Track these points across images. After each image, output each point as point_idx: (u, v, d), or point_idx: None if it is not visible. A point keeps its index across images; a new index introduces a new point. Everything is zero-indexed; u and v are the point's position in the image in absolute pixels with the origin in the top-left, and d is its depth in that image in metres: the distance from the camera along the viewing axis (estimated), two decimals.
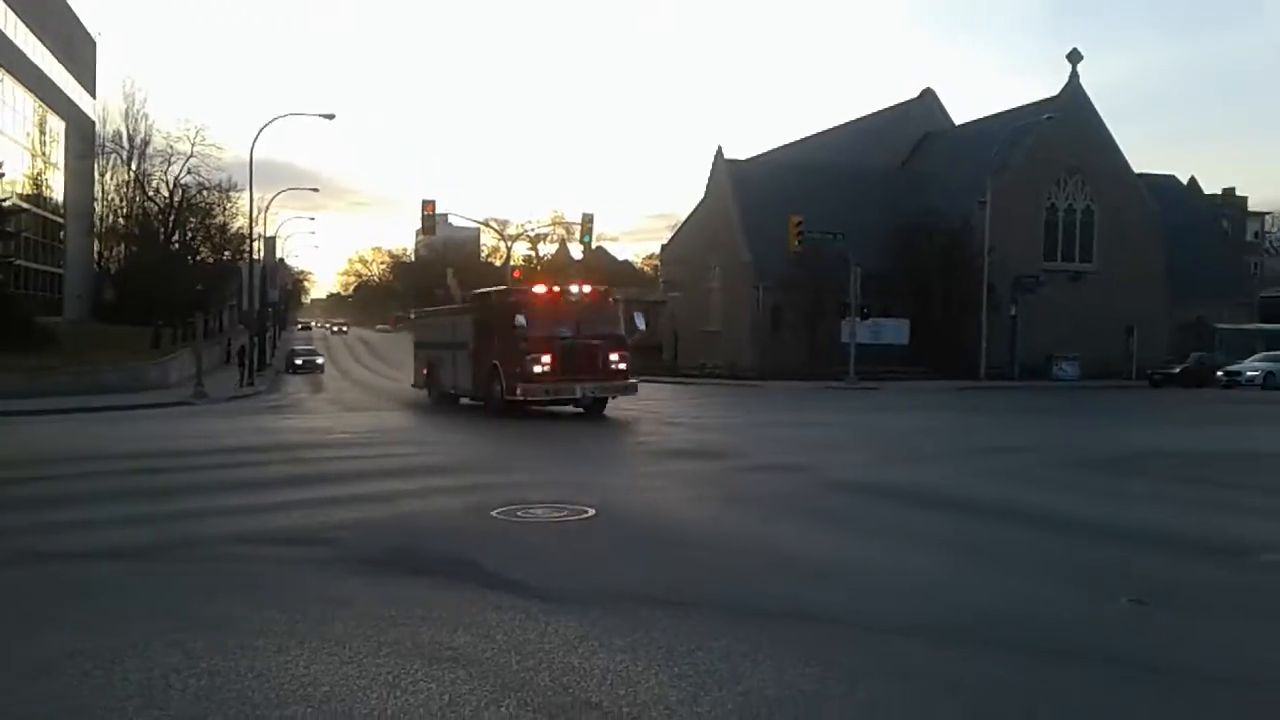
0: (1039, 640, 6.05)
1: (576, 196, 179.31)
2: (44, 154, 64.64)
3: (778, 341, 51.51)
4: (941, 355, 48.75)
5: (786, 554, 8.47)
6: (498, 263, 79.03)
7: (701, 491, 12.28)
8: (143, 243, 70.79)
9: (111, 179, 73.81)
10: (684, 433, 20.41)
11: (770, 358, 50.18)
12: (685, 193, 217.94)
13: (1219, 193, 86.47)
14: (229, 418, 26.15)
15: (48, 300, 61.72)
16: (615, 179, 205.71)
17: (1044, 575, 7.84)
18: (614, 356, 22.88)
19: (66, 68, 69.37)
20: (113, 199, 74.45)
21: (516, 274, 50.13)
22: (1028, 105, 55.81)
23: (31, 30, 62.24)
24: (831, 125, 70.03)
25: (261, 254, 54.70)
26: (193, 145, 66.78)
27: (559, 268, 71.31)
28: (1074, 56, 53.53)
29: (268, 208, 62.36)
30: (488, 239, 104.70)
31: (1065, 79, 53.67)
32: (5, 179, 53.07)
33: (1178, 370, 45.51)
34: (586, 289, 23.83)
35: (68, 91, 70.10)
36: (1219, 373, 42.95)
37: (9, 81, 58.81)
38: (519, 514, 9.84)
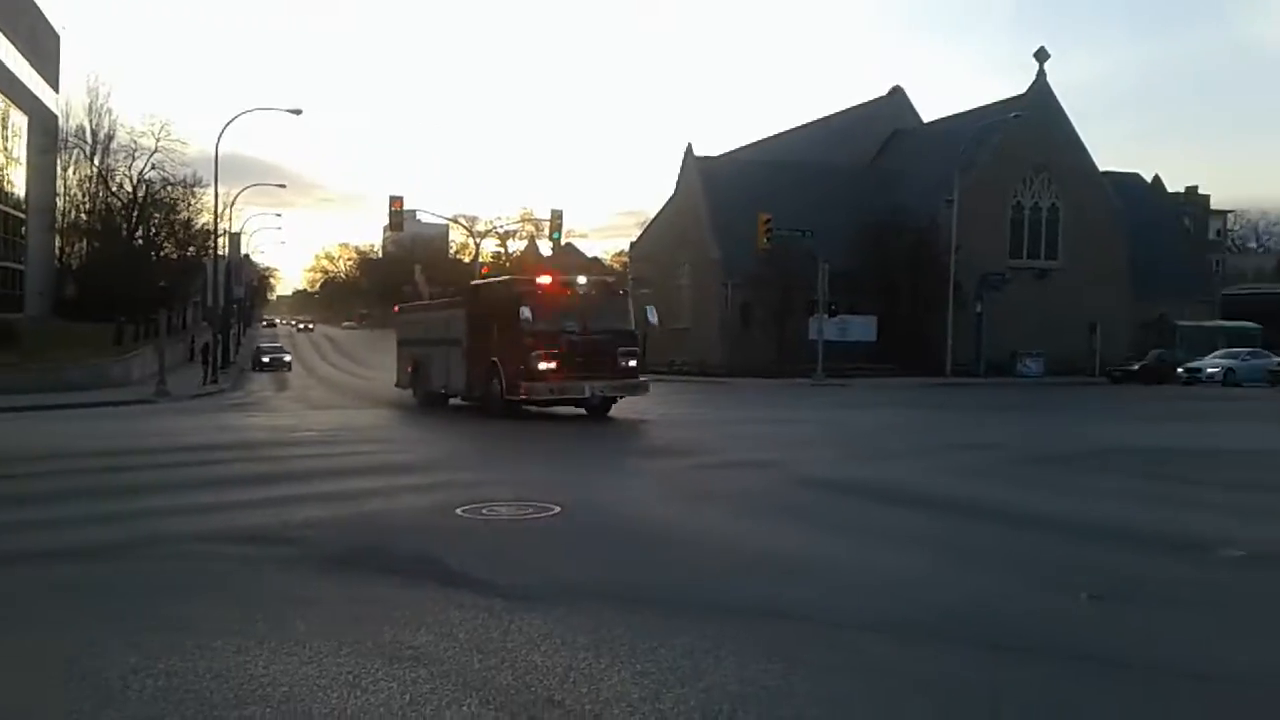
0: (1004, 637, 6.08)
1: (546, 193, 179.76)
2: (5, 149, 63.62)
3: (746, 338, 51.66)
4: (908, 352, 49.08)
5: (753, 551, 8.48)
6: (466, 260, 78.73)
7: (669, 489, 12.28)
8: (105, 239, 69.91)
9: (74, 174, 72.84)
10: (652, 429, 20.41)
11: (739, 355, 50.32)
12: (655, 190, 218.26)
13: (1182, 191, 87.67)
14: (192, 415, 25.88)
15: (8, 297, 60.82)
16: (585, 176, 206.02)
17: (1009, 571, 7.90)
18: (624, 353, 21.31)
19: (29, 61, 68.29)
20: (75, 194, 73.46)
21: (484, 270, 49.91)
22: (995, 104, 56.27)
23: None
24: (801, 123, 70.36)
25: (226, 250, 54.20)
26: (157, 140, 65.99)
27: (528, 265, 71.08)
28: (1041, 55, 54.04)
29: (233, 203, 61.79)
30: (456, 236, 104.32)
31: (1032, 78, 54.16)
32: None
33: (1137, 367, 46.06)
34: (595, 280, 22.37)
35: (30, 86, 69.03)
36: (1180, 370, 43.51)
37: None
38: (484, 512, 9.79)
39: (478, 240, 64.52)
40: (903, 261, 50.57)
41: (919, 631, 6.15)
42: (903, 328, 50.26)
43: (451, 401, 25.13)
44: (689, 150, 59.68)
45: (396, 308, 32.96)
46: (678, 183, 61.14)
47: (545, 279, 22.00)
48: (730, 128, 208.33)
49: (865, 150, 61.58)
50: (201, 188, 68.00)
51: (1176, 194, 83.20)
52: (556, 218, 46.46)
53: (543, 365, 20.32)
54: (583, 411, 21.92)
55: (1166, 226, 62.98)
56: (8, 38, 63.74)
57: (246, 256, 69.83)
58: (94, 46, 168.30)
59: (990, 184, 52.04)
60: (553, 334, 20.44)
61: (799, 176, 53.93)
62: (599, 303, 21.64)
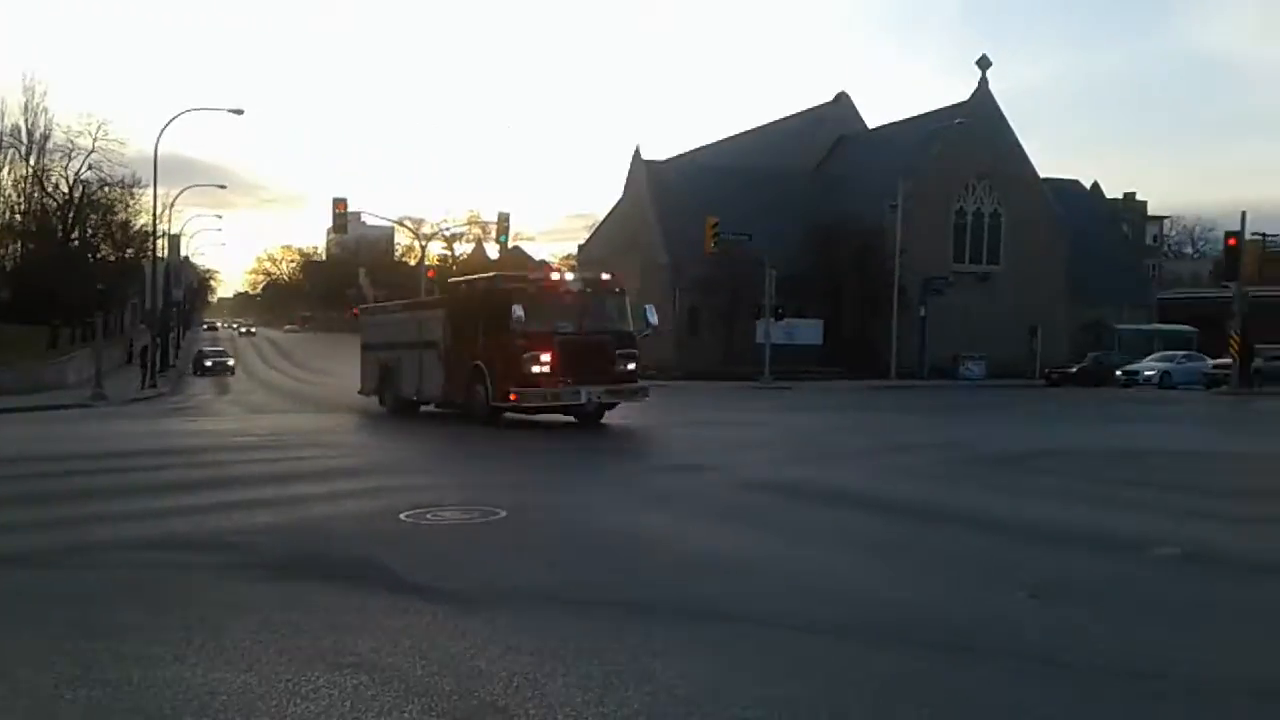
0: (944, 636, 6.15)
1: (493, 195, 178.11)
2: None
3: (695, 342, 51.85)
4: (854, 355, 49.58)
5: (699, 553, 8.50)
6: (412, 262, 78.02)
7: (616, 492, 12.27)
8: (41, 240, 68.16)
9: (8, 174, 70.82)
10: (600, 432, 20.36)
11: (687, 358, 50.47)
12: (603, 193, 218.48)
13: (1120, 197, 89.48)
14: (130, 420, 25.39)
15: None
16: (533, 178, 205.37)
17: (950, 571, 8.00)
18: (622, 356, 19.70)
19: None
20: (9, 195, 71.39)
21: (430, 274, 49.38)
22: (939, 110, 57.06)
23: None
24: (748, 128, 70.72)
25: (165, 252, 53.24)
26: (94, 140, 64.46)
27: (475, 268, 70.71)
28: (983, 63, 54.88)
29: (172, 205, 60.73)
30: (402, 238, 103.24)
31: (975, 85, 54.98)
32: None
33: (1075, 370, 46.93)
34: (590, 276, 20.62)
35: None
36: (1118, 372, 44.38)
37: None
38: (428, 517, 9.71)
39: (424, 242, 64.00)
40: (849, 265, 51.10)
41: (862, 632, 6.21)
42: (849, 331, 50.79)
43: (423, 409, 23.75)
44: (637, 154, 59.80)
45: (358, 309, 30.45)
46: (626, 186, 61.23)
47: (538, 275, 20.62)
48: (678, 131, 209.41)
49: (812, 155, 62.13)
50: (140, 188, 66.63)
51: (1115, 200, 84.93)
52: (504, 220, 46.29)
53: (535, 369, 18.73)
54: (571, 419, 20.35)
55: (1105, 232, 64.31)
56: None
57: (186, 258, 68.64)
58: (29, 45, 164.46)
59: (934, 189, 52.77)
60: (546, 335, 18.85)
61: (746, 180, 54.28)
62: (594, 301, 20.06)
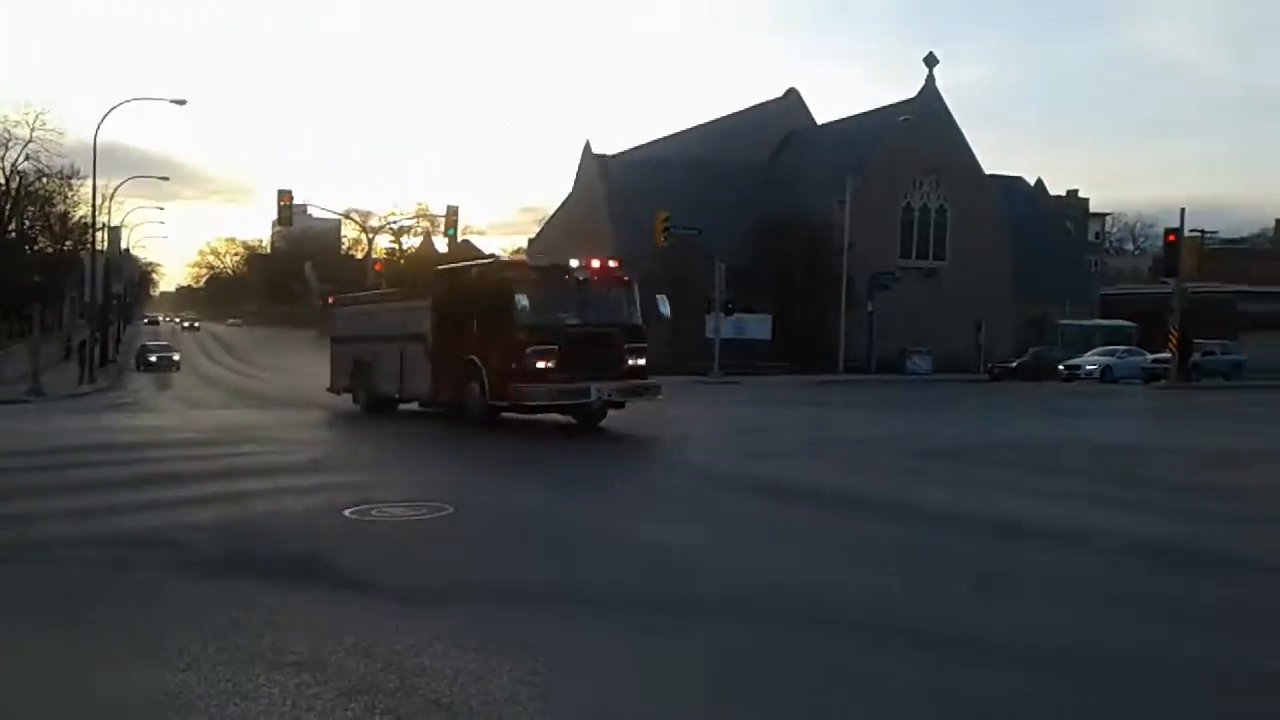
0: (888, 625, 6.21)
1: (442, 188, 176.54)
2: None
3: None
4: (803, 350, 49.90)
5: (644, 546, 8.52)
6: (359, 256, 77.26)
7: (564, 487, 12.22)
8: None
9: None
10: (549, 428, 20.24)
11: None
12: (553, 186, 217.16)
13: (1063, 194, 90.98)
14: (68, 415, 24.86)
15: None
16: (482, 171, 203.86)
17: (894, 563, 8.06)
18: (632, 350, 18.19)
19: None
20: None
21: (378, 267, 48.91)
22: (887, 107, 57.57)
23: None
24: (698, 122, 70.88)
25: (105, 245, 52.17)
26: (32, 130, 62.94)
27: (424, 261, 70.10)
28: (930, 60, 55.47)
29: (112, 196, 59.49)
30: (349, 231, 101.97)
31: (922, 82, 55.55)
32: None
33: (1016, 364, 47.65)
34: (596, 264, 18.80)
35: None
36: (1060, 367, 45.11)
37: None
38: (373, 513, 9.59)
39: (371, 236, 63.38)
40: (798, 261, 51.40)
41: (802, 620, 6.28)
42: (797, 326, 51.10)
43: (402, 408, 22.17)
44: (587, 148, 59.73)
45: (330, 301, 28.16)
46: (576, 180, 61.13)
47: (541, 262, 18.91)
48: (629, 125, 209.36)
49: (761, 150, 62.41)
50: (79, 179, 65.22)
51: (1058, 197, 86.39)
52: (452, 214, 45.99)
53: (540, 364, 17.01)
54: (571, 420, 18.76)
55: (1049, 228, 65.39)
56: None
57: (127, 251, 67.31)
58: None
59: (881, 185, 53.24)
60: (551, 328, 17.24)
61: (696, 175, 54.38)
62: (602, 291, 18.47)
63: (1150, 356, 43.47)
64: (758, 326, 50.84)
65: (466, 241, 77.02)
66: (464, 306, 18.85)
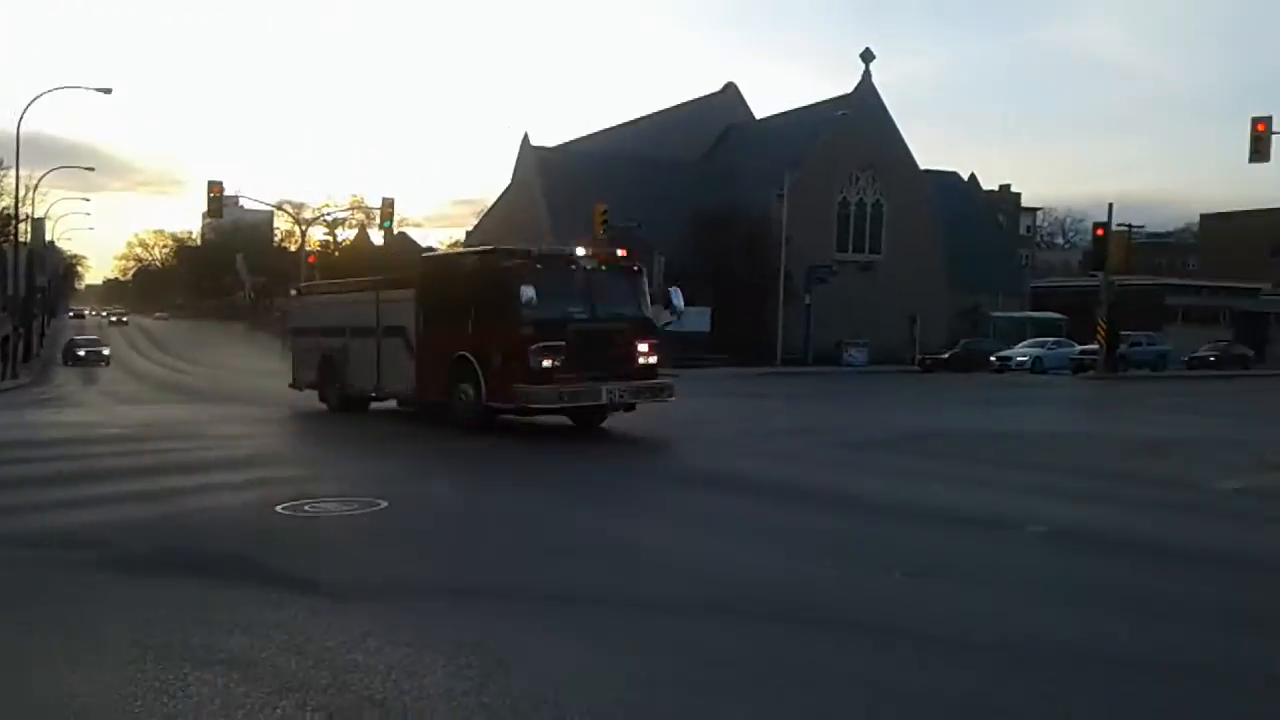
0: (820, 614, 6.28)
1: (377, 180, 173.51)
2: None
3: None
4: (741, 342, 50.20)
5: (579, 539, 8.52)
6: (292, 248, 76.01)
7: (499, 480, 12.18)
8: None
9: None
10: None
11: None
12: (491, 179, 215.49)
13: (996, 189, 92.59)
14: None
15: None
16: (419, 163, 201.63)
17: (826, 551, 8.16)
18: (643, 348, 16.72)
19: None
20: None
21: (311, 260, 48.17)
22: (824, 102, 58.07)
23: None
24: (637, 116, 70.91)
25: (29, 236, 50.75)
26: None
27: (360, 254, 69.22)
28: (866, 56, 56.04)
29: (36, 186, 57.74)
30: (282, 223, 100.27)
31: (859, 77, 56.10)
32: None
33: (947, 356, 48.46)
34: (603, 252, 17.61)
35: None
36: (992, 358, 45.96)
37: None
38: (306, 508, 9.47)
39: (304, 228, 62.29)
40: (736, 254, 51.67)
41: (735, 611, 6.32)
42: (736, 318, 51.37)
43: (372, 406, 20.71)
44: (525, 140, 59.43)
45: (293, 290, 25.78)
46: (514, 172, 60.80)
47: (545, 249, 16.87)
48: (567, 118, 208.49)
49: (700, 144, 62.62)
50: (1, 170, 63.49)
51: (991, 192, 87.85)
52: (388, 205, 45.44)
53: (546, 363, 15.48)
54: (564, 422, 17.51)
55: (982, 223, 66.49)
56: None
57: (51, 243, 65.58)
58: None
59: (819, 180, 53.72)
60: (558, 322, 15.76)
61: (635, 168, 54.41)
62: (610, 282, 17.03)
63: (1079, 348, 44.47)
64: (696, 319, 50.95)
65: (403, 234, 76.18)
66: (455, 298, 17.21)
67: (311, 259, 48.84)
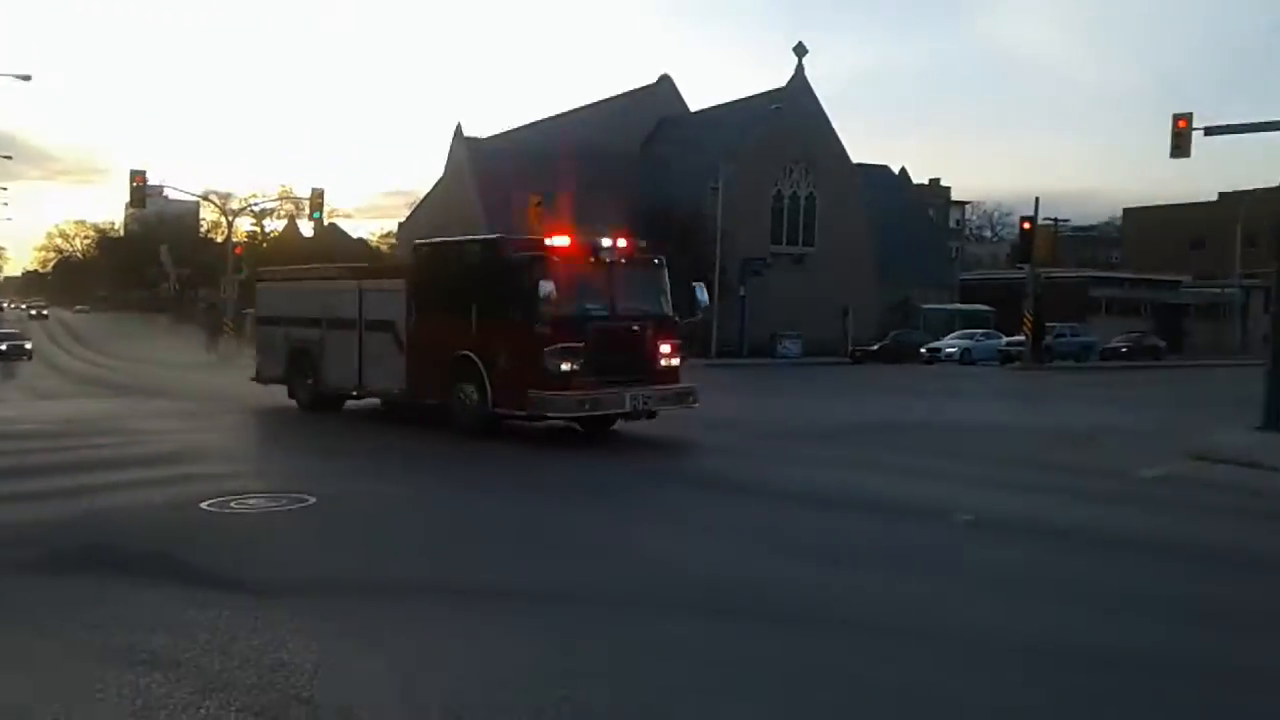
0: (751, 605, 6.35)
1: (306, 170, 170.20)
2: None
3: None
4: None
5: (508, 533, 8.51)
6: (219, 239, 74.50)
7: (430, 475, 12.09)
8: None
9: None
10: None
11: None
12: (424, 170, 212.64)
13: (926, 183, 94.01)
14: None
15: None
16: (349, 153, 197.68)
17: (756, 542, 8.26)
18: (666, 349, 15.34)
19: None
20: None
21: (238, 251, 47.24)
22: (758, 95, 58.37)
23: None
24: (571, 107, 70.66)
25: None
26: None
27: (288, 246, 68.04)
28: (799, 50, 56.43)
29: None
30: (208, 214, 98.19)
31: (793, 71, 56.51)
32: None
33: (877, 348, 49.15)
34: (623, 243, 15.78)
35: None
36: (922, 349, 46.68)
37: None
38: (232, 505, 9.32)
39: (231, 218, 61.01)
40: (671, 246, 51.61)
41: (662, 604, 6.38)
42: (673, 310, 51.46)
43: (348, 405, 19.17)
44: (458, 130, 58.92)
45: (260, 274, 23.49)
46: (447, 163, 60.24)
47: (563, 239, 15.12)
48: (500, 109, 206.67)
49: (635, 136, 62.59)
50: None
51: (921, 185, 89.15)
52: (317, 196, 44.64)
53: (565, 366, 14.05)
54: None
55: (912, 216, 67.43)
56: None
57: None
58: None
59: (753, 172, 54.02)
60: (577, 321, 14.34)
61: (570, 160, 54.19)
62: (630, 276, 15.52)
63: (1006, 339, 45.32)
64: None
65: (333, 225, 75.17)
66: (456, 291, 15.62)
67: (238, 250, 47.90)
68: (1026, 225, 40.45)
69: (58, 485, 10.80)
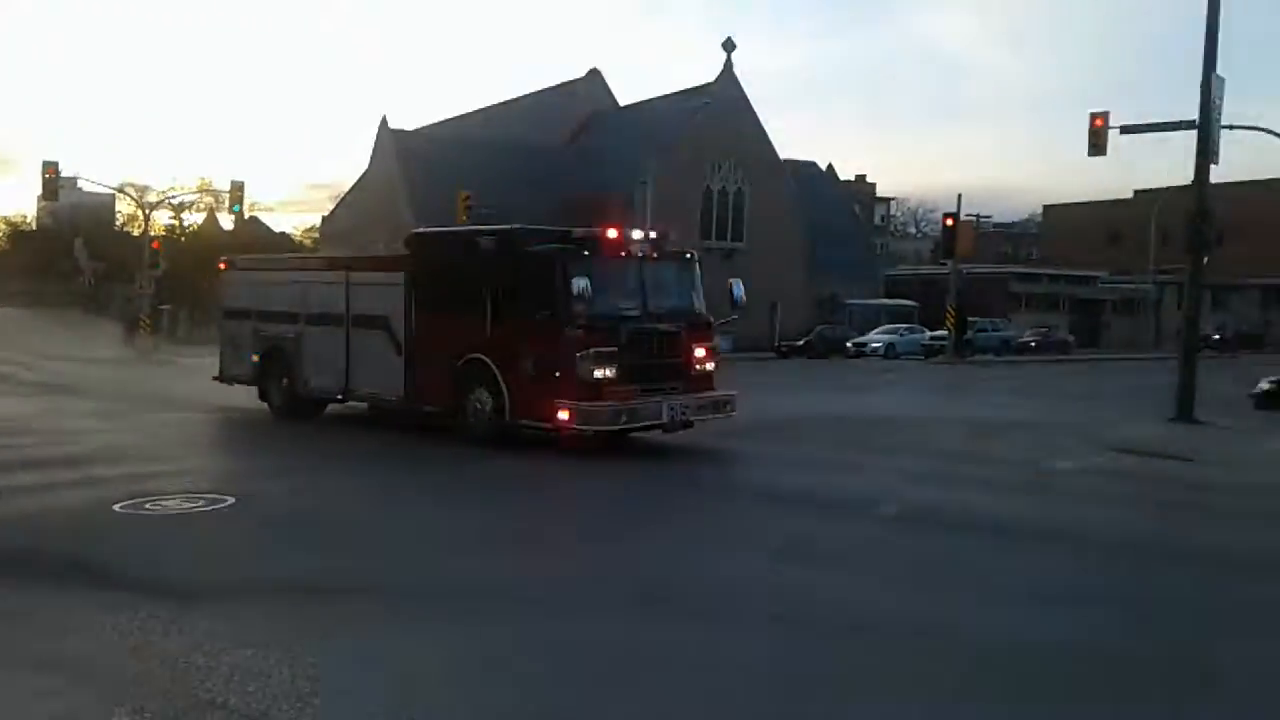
0: (683, 599, 6.37)
1: (226, 162, 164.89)
2: None
3: None
4: None
5: (425, 533, 8.42)
6: (135, 232, 72.47)
7: (353, 477, 11.88)
8: None
9: None
10: (341, 413, 19.52)
11: None
12: (348, 162, 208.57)
13: (853, 179, 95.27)
14: None
15: None
16: (271, 145, 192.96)
17: (692, 534, 8.29)
18: (700, 353, 14.10)
19: None
20: None
21: (155, 245, 45.90)
22: (687, 90, 58.56)
23: None
24: (500, 100, 70.12)
25: None
26: None
27: (207, 240, 66.43)
28: (728, 45, 56.74)
29: None
30: (124, 206, 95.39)
31: (721, 67, 56.79)
32: None
33: (803, 343, 49.74)
34: (656, 236, 14.63)
35: None
36: (849, 344, 47.32)
37: None
38: (148, 506, 9.09)
39: (148, 211, 59.39)
40: None
41: (583, 599, 6.38)
42: None
43: (328, 409, 17.44)
44: (384, 123, 58.12)
45: (226, 262, 20.73)
46: (372, 156, 59.36)
47: (592, 231, 13.86)
48: (427, 101, 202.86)
49: (565, 130, 62.39)
50: None
51: (848, 182, 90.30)
52: (237, 189, 43.70)
53: (600, 373, 12.64)
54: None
55: (839, 212, 68.18)
56: None
57: None
58: None
59: (683, 168, 54.20)
60: (611, 322, 12.96)
61: (499, 153, 53.85)
62: (661, 271, 14.23)
63: (929, 334, 46.16)
64: None
65: (254, 218, 73.62)
66: (467, 287, 14.01)
67: (155, 244, 46.56)
68: (949, 221, 41.16)
69: None
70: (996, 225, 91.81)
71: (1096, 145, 20.29)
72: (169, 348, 40.91)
